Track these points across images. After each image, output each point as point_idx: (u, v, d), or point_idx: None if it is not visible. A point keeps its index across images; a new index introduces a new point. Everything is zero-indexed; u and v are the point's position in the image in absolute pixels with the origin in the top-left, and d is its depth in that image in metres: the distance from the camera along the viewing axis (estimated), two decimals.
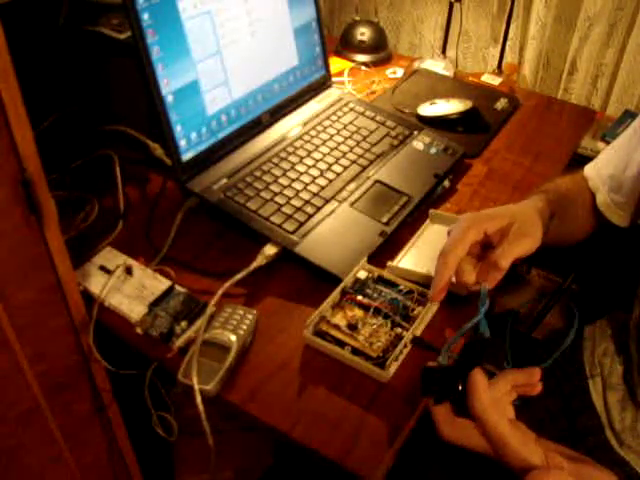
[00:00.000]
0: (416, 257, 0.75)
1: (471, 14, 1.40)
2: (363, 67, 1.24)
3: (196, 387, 0.59)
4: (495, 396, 0.53)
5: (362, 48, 1.26)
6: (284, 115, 0.96)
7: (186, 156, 0.82)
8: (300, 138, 0.92)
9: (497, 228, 0.65)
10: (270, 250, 0.74)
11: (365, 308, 0.68)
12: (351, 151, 0.91)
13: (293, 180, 0.84)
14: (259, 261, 0.73)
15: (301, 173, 0.85)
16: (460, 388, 0.53)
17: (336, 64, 1.22)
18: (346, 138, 0.94)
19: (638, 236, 0.81)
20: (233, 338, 0.64)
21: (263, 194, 0.81)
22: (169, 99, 0.78)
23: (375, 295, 0.69)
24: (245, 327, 0.65)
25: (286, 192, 0.82)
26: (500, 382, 0.54)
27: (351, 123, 0.97)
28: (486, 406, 0.52)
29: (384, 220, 0.80)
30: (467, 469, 0.71)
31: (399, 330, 0.66)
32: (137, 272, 0.73)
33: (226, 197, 0.80)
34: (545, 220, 0.69)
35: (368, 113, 1.00)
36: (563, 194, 0.76)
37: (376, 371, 0.62)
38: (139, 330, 0.67)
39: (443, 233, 0.80)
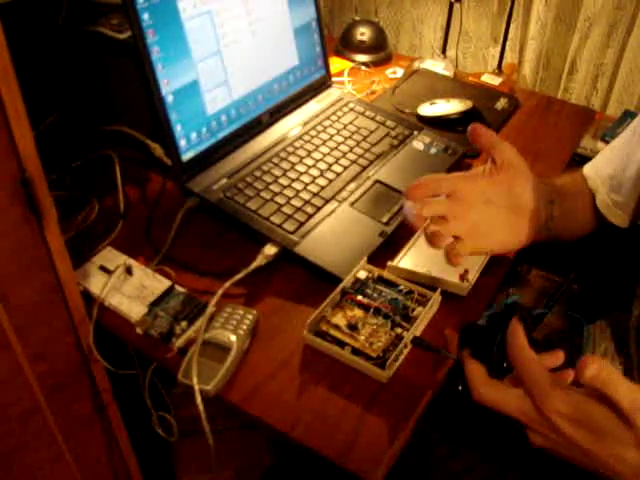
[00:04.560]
0: (416, 257, 0.75)
1: (471, 14, 1.40)
2: (363, 67, 1.24)
3: (196, 387, 0.59)
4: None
5: (362, 48, 1.26)
6: (284, 115, 0.96)
7: (186, 156, 0.82)
8: (300, 138, 0.92)
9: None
10: (270, 250, 0.74)
11: (365, 308, 0.68)
12: (351, 151, 0.91)
13: (293, 180, 0.84)
14: (259, 261, 0.73)
15: (301, 173, 0.85)
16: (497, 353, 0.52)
17: (336, 64, 1.22)
18: (346, 138, 0.94)
19: (638, 236, 0.81)
20: (233, 338, 0.64)
21: (263, 194, 0.81)
22: (169, 99, 0.78)
23: (375, 295, 0.69)
24: (245, 327, 0.65)
25: (286, 192, 0.82)
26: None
27: (351, 123, 0.97)
28: (523, 346, 0.50)
29: (384, 220, 0.80)
30: (467, 469, 0.71)
31: (399, 330, 0.66)
32: (137, 272, 0.73)
33: (226, 197, 0.80)
34: (542, 194, 0.70)
35: (368, 113, 1.00)
36: (560, 185, 0.77)
37: (376, 371, 0.62)
38: (139, 330, 0.67)
39: None
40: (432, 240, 0.68)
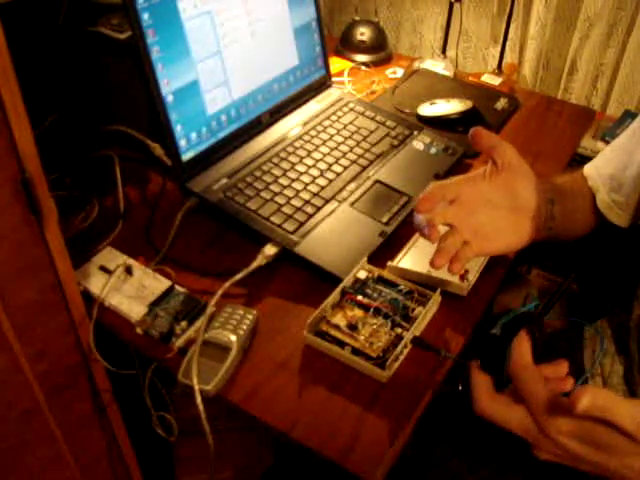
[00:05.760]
0: (416, 257, 0.75)
1: (471, 14, 1.40)
2: (363, 67, 1.24)
3: (196, 387, 0.59)
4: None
5: (362, 48, 1.26)
6: (284, 115, 0.96)
7: (186, 156, 0.82)
8: (300, 138, 0.92)
9: None
10: (270, 250, 0.74)
11: (365, 308, 0.68)
12: (351, 151, 0.91)
13: (293, 180, 0.84)
14: (259, 261, 0.73)
15: (301, 173, 0.85)
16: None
17: (336, 64, 1.22)
18: (346, 138, 0.94)
19: (638, 236, 0.81)
20: (233, 338, 0.64)
21: (263, 194, 0.81)
22: (169, 99, 0.78)
23: (375, 295, 0.69)
24: (245, 327, 0.65)
25: (286, 192, 0.82)
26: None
27: (351, 123, 0.97)
28: (526, 365, 0.49)
29: (384, 220, 0.80)
30: (468, 469, 0.71)
31: (399, 330, 0.66)
32: (137, 272, 0.73)
33: (226, 197, 0.80)
34: (542, 193, 0.69)
35: (368, 113, 1.00)
36: (560, 184, 0.77)
37: (376, 371, 0.62)
38: (139, 330, 0.67)
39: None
40: (441, 255, 0.64)
